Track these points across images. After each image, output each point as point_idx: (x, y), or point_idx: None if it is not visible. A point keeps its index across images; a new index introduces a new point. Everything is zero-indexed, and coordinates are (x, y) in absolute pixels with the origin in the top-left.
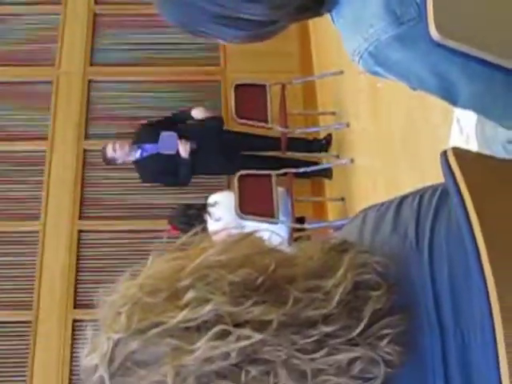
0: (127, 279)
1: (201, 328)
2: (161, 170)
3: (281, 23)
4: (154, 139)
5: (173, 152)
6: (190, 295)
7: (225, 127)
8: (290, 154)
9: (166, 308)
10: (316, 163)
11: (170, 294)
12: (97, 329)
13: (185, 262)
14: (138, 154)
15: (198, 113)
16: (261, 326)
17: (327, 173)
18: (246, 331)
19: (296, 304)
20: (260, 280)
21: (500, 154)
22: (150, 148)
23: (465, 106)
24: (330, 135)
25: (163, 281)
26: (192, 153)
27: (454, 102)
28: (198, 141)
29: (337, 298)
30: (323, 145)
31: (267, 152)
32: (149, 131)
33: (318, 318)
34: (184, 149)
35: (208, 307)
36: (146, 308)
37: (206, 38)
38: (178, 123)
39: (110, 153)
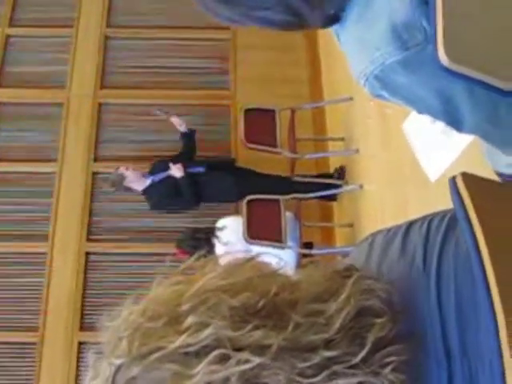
0: (129, 304)
1: (200, 353)
2: (167, 193)
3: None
4: (164, 169)
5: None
6: (189, 320)
7: (236, 164)
8: (299, 178)
9: (166, 333)
10: (325, 187)
11: (170, 319)
12: (99, 354)
13: (186, 286)
14: (148, 181)
15: (177, 123)
16: (260, 350)
17: (334, 196)
18: (246, 355)
19: (296, 328)
20: (261, 304)
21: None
22: (159, 176)
23: (469, 131)
24: (342, 167)
25: (164, 306)
26: (200, 180)
27: (459, 127)
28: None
29: (339, 323)
30: (335, 178)
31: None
32: (161, 164)
33: (319, 342)
34: (176, 169)
35: (207, 331)
36: (146, 333)
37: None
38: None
39: (121, 169)
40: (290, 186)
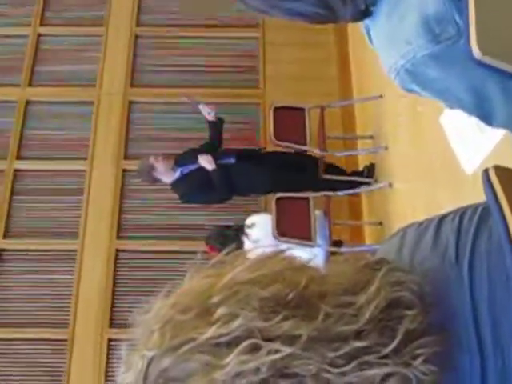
0: (161, 298)
1: (231, 343)
2: (199, 186)
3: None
4: (194, 161)
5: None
6: (220, 311)
7: (263, 150)
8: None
9: (197, 324)
10: (354, 185)
11: (201, 311)
12: (132, 348)
13: (216, 279)
14: (178, 173)
15: (205, 111)
16: (291, 340)
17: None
18: (276, 345)
19: (326, 319)
20: (291, 296)
21: None
22: (190, 167)
23: (501, 126)
24: (372, 165)
25: (194, 298)
26: (233, 171)
27: (490, 121)
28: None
29: (368, 313)
30: (364, 177)
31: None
32: (188, 155)
33: (350, 333)
34: (206, 160)
35: (237, 322)
36: (177, 325)
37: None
38: (217, 145)
39: (151, 160)
40: (320, 183)
